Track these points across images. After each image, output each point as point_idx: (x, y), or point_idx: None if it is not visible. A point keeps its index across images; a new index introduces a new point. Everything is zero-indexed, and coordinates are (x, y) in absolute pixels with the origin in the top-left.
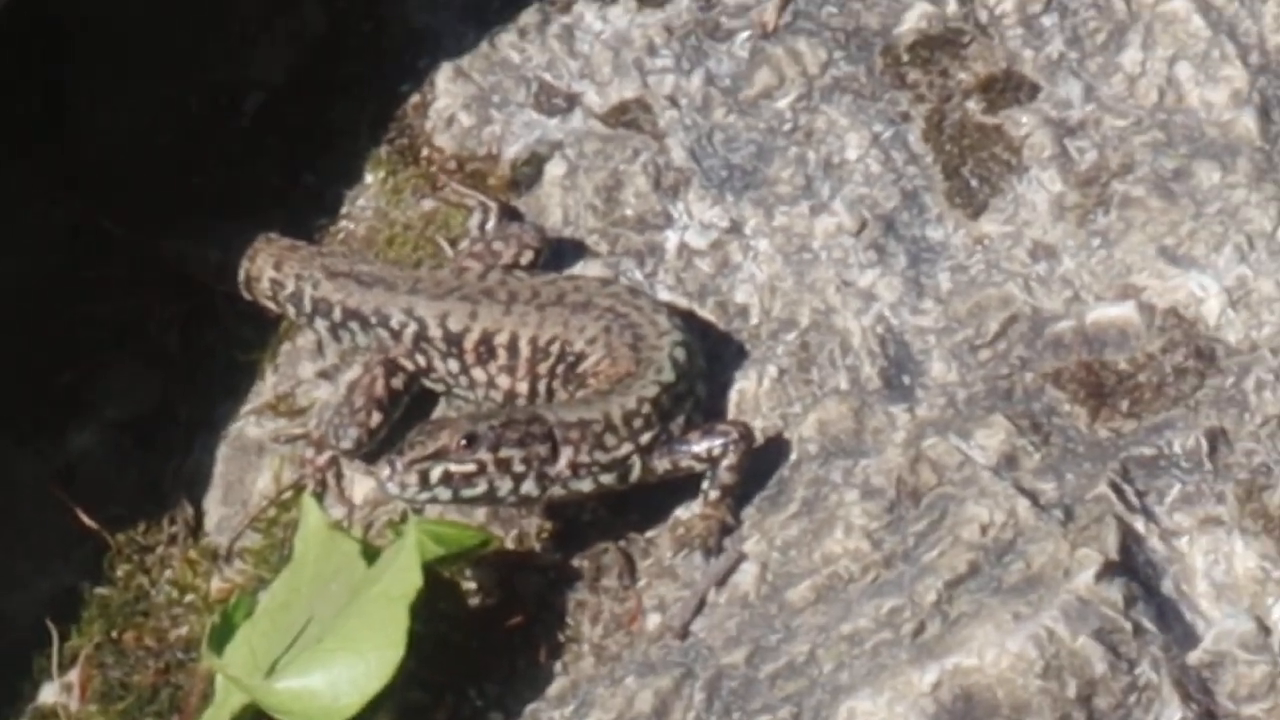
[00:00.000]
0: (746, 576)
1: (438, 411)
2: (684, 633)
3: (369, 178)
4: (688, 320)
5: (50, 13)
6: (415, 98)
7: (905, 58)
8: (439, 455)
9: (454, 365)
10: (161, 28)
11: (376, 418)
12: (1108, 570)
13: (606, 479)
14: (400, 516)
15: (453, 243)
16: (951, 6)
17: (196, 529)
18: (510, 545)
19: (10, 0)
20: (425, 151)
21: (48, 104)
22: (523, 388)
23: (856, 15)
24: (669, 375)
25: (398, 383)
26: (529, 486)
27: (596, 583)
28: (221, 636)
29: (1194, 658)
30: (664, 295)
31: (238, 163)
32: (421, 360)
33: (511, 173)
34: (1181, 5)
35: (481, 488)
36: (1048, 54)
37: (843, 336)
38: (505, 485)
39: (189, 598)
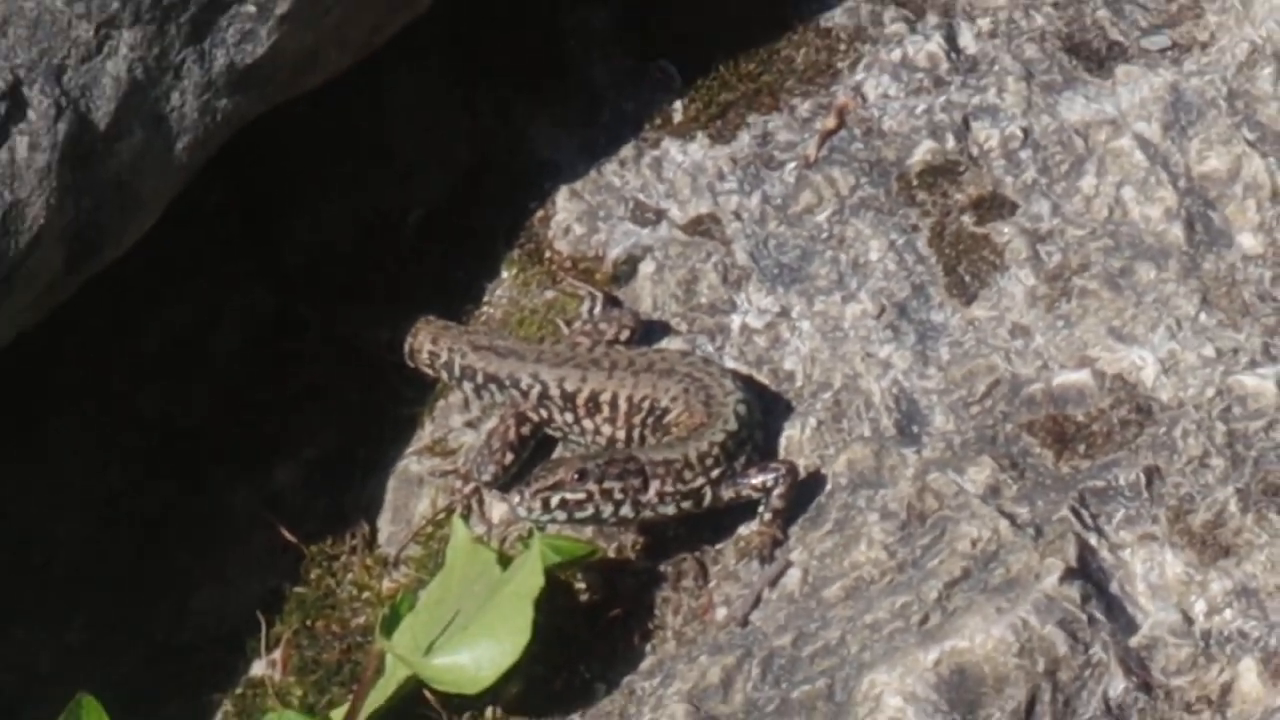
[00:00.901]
0: (792, 579)
1: (556, 452)
2: (745, 622)
3: (504, 274)
4: (748, 383)
5: (259, 144)
6: (540, 212)
7: (915, 182)
8: (557, 486)
9: (569, 417)
10: (346, 160)
11: (509, 457)
12: (1068, 575)
13: (685, 505)
14: (527, 533)
15: (568, 323)
16: (950, 143)
17: (371, 542)
18: (612, 555)
19: (229, 135)
20: (547, 254)
21: (258, 215)
22: (620, 434)
23: (878, 150)
24: (733, 425)
25: (526, 430)
26: (626, 510)
27: (678, 583)
28: (390, 624)
29: (1134, 641)
30: (730, 364)
31: (404, 262)
32: (544, 413)
33: (613, 270)
34: (1126, 142)
35: (590, 511)
36: (1024, 180)
37: (866, 396)
38: (608, 509)
39: (365, 595)
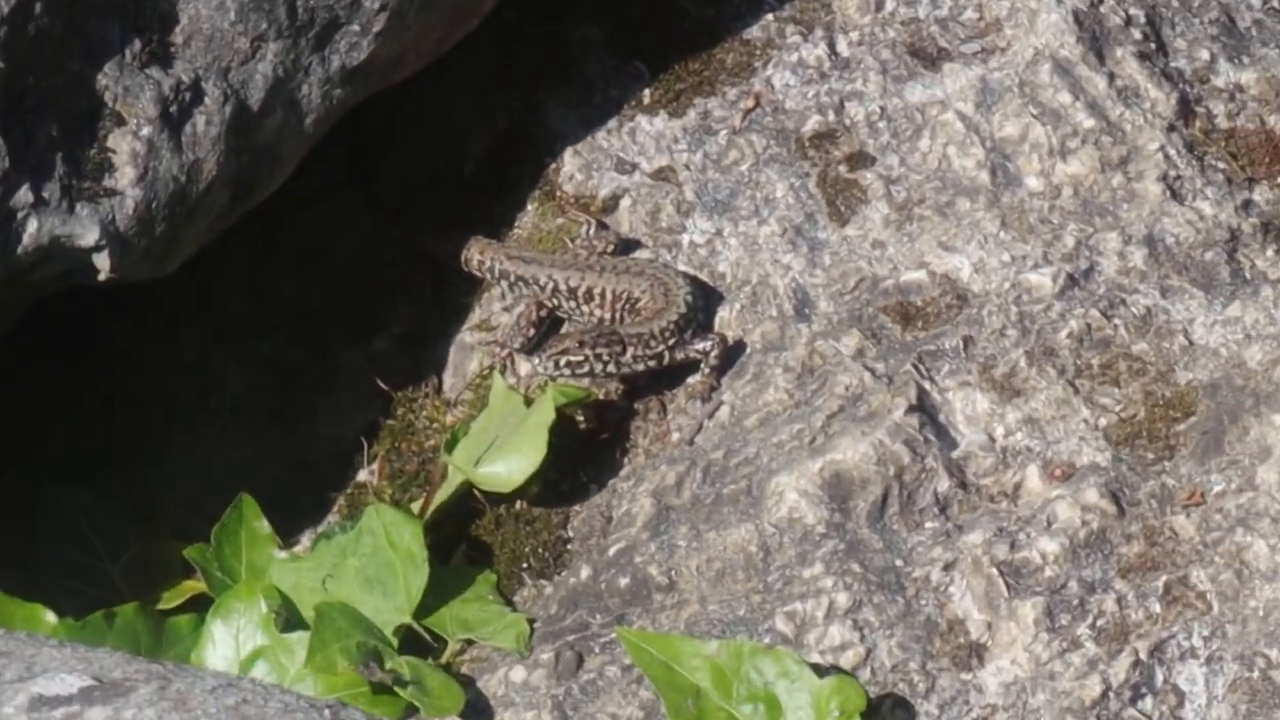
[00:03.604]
0: (724, 413)
1: (563, 328)
2: (691, 442)
3: (529, 208)
4: (694, 281)
5: (365, 114)
6: (553, 165)
7: (807, 144)
8: (564, 351)
9: (572, 304)
10: (421, 126)
11: (532, 331)
12: (910, 409)
13: (651, 364)
14: (543, 383)
15: (571, 240)
16: (831, 117)
17: (439, 390)
18: (601, 397)
19: (341, 114)
20: (558, 194)
21: (363, 163)
22: (607, 316)
23: (781, 122)
24: (684, 309)
25: (543, 314)
26: (611, 368)
27: (646, 416)
28: (451, 445)
29: (955, 454)
30: (682, 267)
31: (462, 198)
32: (555, 302)
33: (602, 205)
34: (950, 116)
35: (586, 369)
36: (881, 142)
37: (774, 289)
38: (599, 367)
39: (434, 425)
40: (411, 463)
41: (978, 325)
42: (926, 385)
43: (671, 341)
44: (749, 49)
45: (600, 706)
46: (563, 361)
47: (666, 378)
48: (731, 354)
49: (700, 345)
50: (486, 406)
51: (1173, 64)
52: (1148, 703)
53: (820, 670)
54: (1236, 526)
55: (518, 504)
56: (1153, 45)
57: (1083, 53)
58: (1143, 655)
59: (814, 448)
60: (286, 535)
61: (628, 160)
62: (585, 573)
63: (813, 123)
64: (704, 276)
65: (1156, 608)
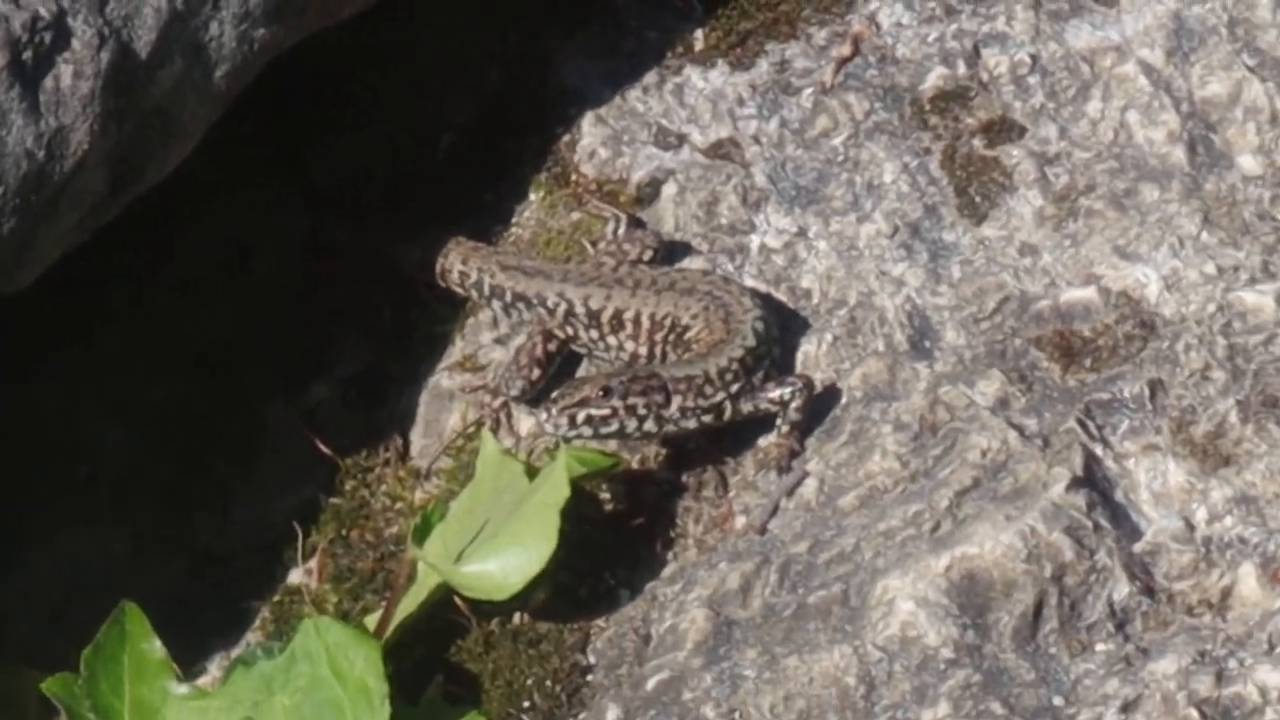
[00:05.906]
0: (809, 488)
1: (581, 369)
2: (763, 530)
3: (532, 196)
4: (766, 301)
5: (292, 65)
6: (566, 137)
7: (927, 107)
8: (583, 403)
9: (594, 334)
10: (378, 85)
11: (537, 373)
12: (1075, 484)
13: (706, 418)
14: (554, 446)
15: (593, 244)
16: (961, 69)
17: (404, 455)
18: (635, 466)
19: (265, 64)
20: (574, 177)
21: (291, 138)
22: (643, 351)
23: (891, 76)
24: (751, 341)
25: (552, 347)
26: (649, 425)
27: (698, 494)
28: (422, 534)
29: (1138, 548)
30: (749, 282)
31: (435, 185)
32: (570, 330)
33: (637, 192)
34: (1131, 68)
35: (614, 427)
36: (1032, 104)
37: (880, 312)
38: (631, 424)
39: (398, 505)
40: (365, 559)
41: (1170, 364)
42: (1098, 450)
43: (734, 387)
44: None
45: None
46: (581, 417)
47: (728, 438)
48: (820, 405)
49: (775, 393)
50: (472, 479)
51: None
52: None
53: None
54: None
55: (517, 618)
56: None
57: None
58: None
59: (938, 538)
60: (188, 661)
61: (672, 130)
62: (613, 715)
63: (935, 78)
64: (781, 294)
65: None
